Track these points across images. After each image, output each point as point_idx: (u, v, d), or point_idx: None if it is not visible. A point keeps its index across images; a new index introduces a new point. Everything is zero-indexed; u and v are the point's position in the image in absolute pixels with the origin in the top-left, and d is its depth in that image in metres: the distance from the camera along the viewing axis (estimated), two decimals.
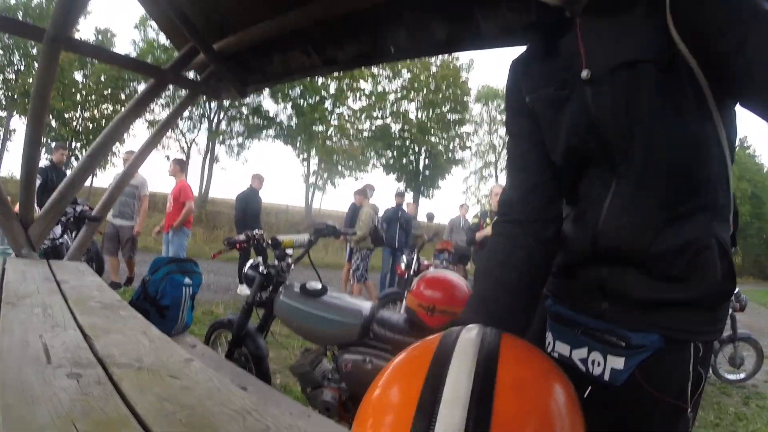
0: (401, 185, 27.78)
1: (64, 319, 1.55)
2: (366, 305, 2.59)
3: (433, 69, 27.94)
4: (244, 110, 27.39)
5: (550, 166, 1.02)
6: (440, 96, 28.34)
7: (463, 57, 28.29)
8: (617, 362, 0.93)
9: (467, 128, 30.69)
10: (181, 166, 6.89)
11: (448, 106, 28.81)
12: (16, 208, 2.94)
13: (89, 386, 1.04)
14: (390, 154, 28.93)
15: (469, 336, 0.65)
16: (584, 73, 0.91)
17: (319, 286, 2.66)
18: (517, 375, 0.58)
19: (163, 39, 23.48)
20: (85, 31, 25.24)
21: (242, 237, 3.06)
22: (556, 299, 1.08)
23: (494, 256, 1.04)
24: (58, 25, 2.49)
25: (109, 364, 1.18)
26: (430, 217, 8.96)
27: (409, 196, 27.07)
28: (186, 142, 27.96)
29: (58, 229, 3.65)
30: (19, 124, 26.71)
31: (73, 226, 3.71)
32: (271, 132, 28.26)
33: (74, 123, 24.96)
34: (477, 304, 1.02)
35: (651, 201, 0.90)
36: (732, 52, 0.74)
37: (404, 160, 28.80)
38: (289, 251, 3.04)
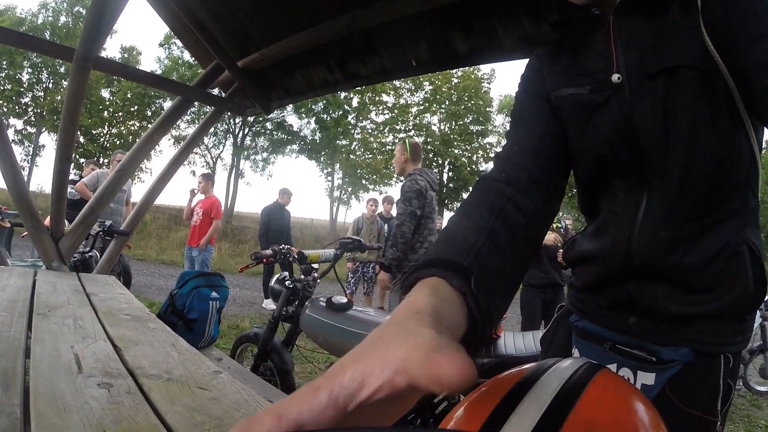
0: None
1: (94, 331, 1.58)
2: None
3: (455, 80, 27.94)
4: (269, 125, 27.77)
5: (552, 148, 0.91)
6: (462, 107, 28.29)
7: (484, 67, 28.21)
8: (648, 378, 0.91)
9: (490, 139, 30.54)
10: (211, 182, 7.04)
11: (470, 118, 28.73)
12: (47, 221, 3.03)
13: (120, 396, 1.06)
14: None
15: (563, 365, 0.62)
16: (615, 77, 0.86)
17: (344, 300, 2.68)
18: (593, 418, 0.51)
19: (187, 56, 24.05)
20: (111, 49, 25.92)
21: (269, 251, 3.10)
22: (582, 314, 1.05)
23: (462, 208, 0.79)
24: (87, 46, 2.57)
25: (139, 375, 1.20)
26: None
27: None
28: (211, 157, 28.45)
29: (87, 243, 3.74)
30: (47, 140, 27.56)
31: (102, 240, 3.80)
32: (295, 147, 28.57)
33: (102, 139, 25.63)
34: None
35: (686, 212, 0.87)
36: (754, 67, 0.71)
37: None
38: (315, 266, 3.07)
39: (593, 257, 1.00)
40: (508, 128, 0.97)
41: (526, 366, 0.63)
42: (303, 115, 27.71)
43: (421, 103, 29.05)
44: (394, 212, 8.14)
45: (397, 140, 28.76)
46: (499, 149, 0.91)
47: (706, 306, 0.87)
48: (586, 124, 0.92)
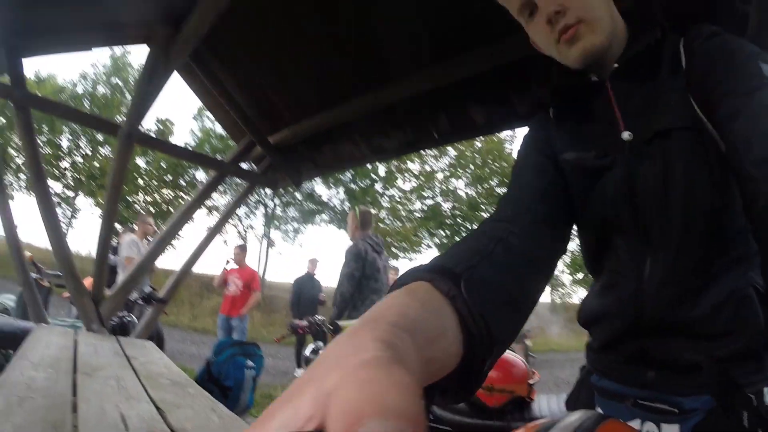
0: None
1: (137, 392, 1.65)
2: None
3: (478, 144, 28.23)
4: (298, 196, 28.28)
5: (548, 212, 0.89)
6: (487, 170, 28.38)
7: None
8: (672, 429, 0.90)
9: None
10: (245, 252, 7.26)
11: (496, 180, 28.80)
12: (85, 282, 3.17)
13: None
14: (442, 233, 28.94)
15: (572, 417, 0.61)
16: (626, 135, 0.91)
17: None
18: None
19: (218, 128, 24.89)
20: (147, 121, 27.07)
21: (305, 322, 3.17)
22: (601, 374, 1.05)
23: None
24: (132, 122, 2.78)
25: None
26: None
27: None
28: (243, 227, 28.96)
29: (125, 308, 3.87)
30: (84, 203, 28.22)
31: (140, 306, 3.93)
32: (325, 216, 28.93)
33: (137, 206, 26.35)
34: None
35: (690, 266, 0.89)
36: (724, 125, 0.78)
37: (456, 238, 28.59)
38: None
39: (604, 317, 1.02)
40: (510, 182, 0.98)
41: (539, 421, 0.68)
42: (331, 186, 28.21)
43: (446, 168, 29.34)
44: None
45: (425, 207, 28.97)
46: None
47: (722, 351, 0.86)
48: (591, 188, 0.96)
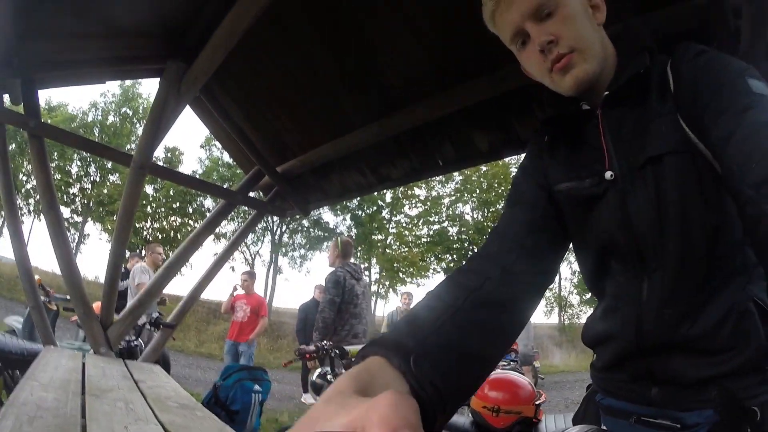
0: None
1: (145, 415, 1.67)
2: None
3: (483, 168, 28.26)
4: (305, 223, 28.37)
5: (536, 246, 0.92)
6: (493, 194, 28.33)
7: None
8: None
9: None
10: (253, 279, 7.32)
11: (502, 204, 28.72)
12: (94, 306, 3.20)
13: None
14: (449, 258, 28.85)
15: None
16: (608, 175, 0.93)
17: None
18: None
19: (226, 157, 25.11)
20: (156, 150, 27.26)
21: (312, 347, 3.20)
22: (605, 392, 1.07)
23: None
24: (143, 154, 2.85)
25: None
26: None
27: None
28: (250, 254, 29.03)
29: (133, 332, 3.90)
30: (92, 229, 28.38)
31: (148, 331, 3.96)
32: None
33: (145, 233, 26.47)
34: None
35: (689, 285, 0.89)
36: (718, 147, 0.78)
37: (463, 263, 28.47)
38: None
39: (607, 339, 1.03)
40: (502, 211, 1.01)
41: None
42: (338, 212, 28.29)
43: (452, 193, 29.35)
44: None
45: (431, 232, 28.93)
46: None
47: (725, 366, 0.87)
48: (587, 216, 0.98)
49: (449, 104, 2.42)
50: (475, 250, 0.91)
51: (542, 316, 30.19)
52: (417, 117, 2.57)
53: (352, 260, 4.81)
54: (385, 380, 0.52)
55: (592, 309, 1.19)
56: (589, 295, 24.03)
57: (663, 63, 0.93)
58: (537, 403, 2.63)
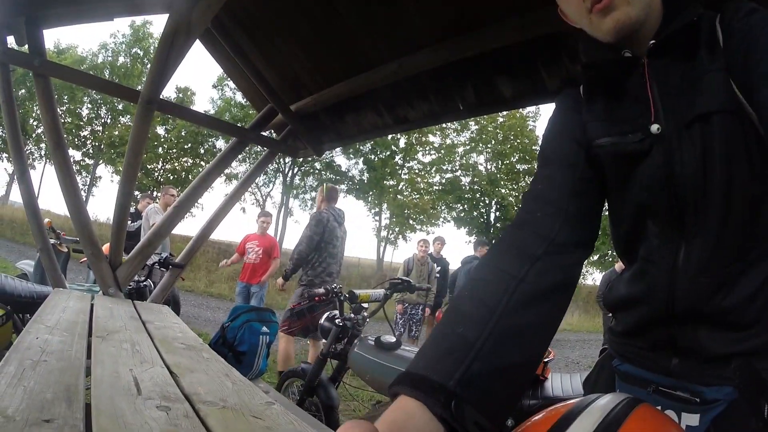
0: (472, 238, 27.40)
1: (151, 356, 1.64)
2: None
3: (500, 119, 27.90)
4: (317, 165, 28.37)
5: (576, 213, 0.88)
6: (508, 146, 28.13)
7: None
8: (692, 419, 0.87)
9: None
10: (270, 220, 7.34)
11: (516, 156, 28.53)
12: (104, 248, 3.19)
13: (178, 419, 1.10)
14: (460, 207, 28.88)
15: (602, 402, 0.62)
16: (654, 128, 0.86)
17: (393, 339, 2.70)
18: None
19: (239, 97, 25.01)
20: (166, 89, 27.23)
21: (321, 290, 3.19)
22: (623, 358, 1.03)
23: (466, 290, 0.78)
24: (152, 90, 2.74)
25: (195, 401, 1.25)
26: None
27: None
28: (261, 195, 29.21)
29: (142, 273, 3.91)
30: (104, 171, 28.91)
31: (157, 270, 3.96)
32: (344, 186, 29.01)
33: (156, 174, 26.75)
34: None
35: (726, 255, 0.85)
36: (763, 108, 0.74)
37: (475, 213, 28.61)
38: (365, 305, 3.12)
39: (632, 303, 0.99)
40: (536, 170, 0.97)
41: (568, 402, 0.66)
42: (351, 156, 28.22)
43: (467, 143, 29.13)
44: (444, 253, 8.15)
45: (444, 180, 28.87)
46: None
47: (749, 343, 0.84)
48: (627, 174, 0.92)
49: (474, 46, 2.31)
50: (515, 216, 0.87)
51: None
52: (439, 58, 2.46)
53: (337, 206, 5.21)
54: (424, 429, 0.54)
55: (598, 270, 1.13)
56: (596, 257, 24.11)
57: (711, 18, 0.86)
58: (545, 360, 2.60)
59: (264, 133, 3.88)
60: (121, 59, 27.87)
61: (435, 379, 0.59)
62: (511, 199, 28.51)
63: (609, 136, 0.92)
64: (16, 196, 27.73)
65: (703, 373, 0.88)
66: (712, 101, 0.81)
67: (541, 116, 28.58)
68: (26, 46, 2.87)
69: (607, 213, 1.03)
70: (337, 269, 5.09)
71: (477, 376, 0.60)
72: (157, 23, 31.34)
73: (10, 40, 2.92)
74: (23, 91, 24.44)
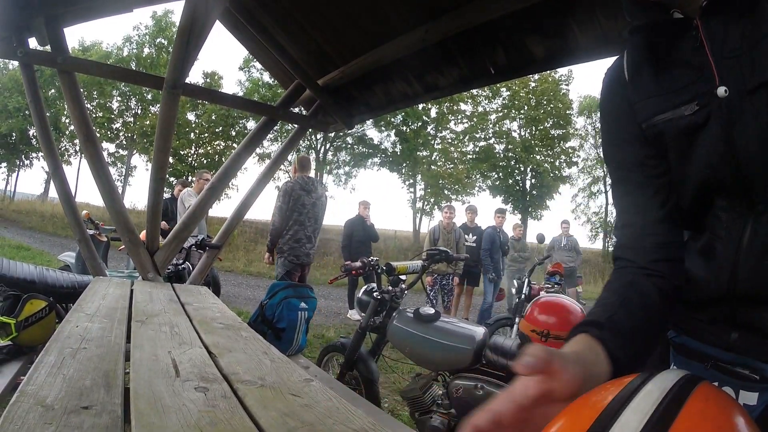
0: (508, 206, 27.11)
1: (189, 338, 1.66)
2: (479, 331, 2.52)
3: (532, 84, 27.27)
4: (349, 140, 28.35)
5: (665, 202, 0.88)
6: (542, 112, 27.55)
7: (561, 69, 27.21)
8: (750, 398, 0.83)
9: (572, 143, 29.24)
10: None
11: (550, 122, 27.92)
12: (142, 235, 3.26)
13: (215, 400, 1.11)
14: (495, 175, 28.54)
15: (664, 376, 0.59)
16: (720, 90, 0.76)
17: (431, 311, 2.67)
18: (694, 429, 0.52)
19: (266, 77, 25.11)
20: (194, 75, 27.56)
21: (358, 264, 3.17)
22: (679, 330, 0.98)
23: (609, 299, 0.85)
24: (175, 74, 2.74)
25: (234, 381, 1.26)
26: (541, 238, 8.50)
27: (516, 218, 26.42)
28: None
29: (180, 256, 3.98)
30: (138, 161, 29.75)
31: (195, 253, 4.01)
32: (377, 160, 28.95)
33: (189, 159, 27.21)
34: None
35: None
36: None
37: (510, 181, 28.25)
38: (402, 277, 3.10)
39: (694, 279, 0.91)
40: (610, 182, 0.99)
41: (627, 377, 0.62)
42: (383, 129, 28.08)
43: (499, 109, 28.63)
44: (478, 221, 8.05)
45: (477, 149, 28.52)
46: (616, 219, 0.96)
47: None
48: (687, 149, 0.84)
49: (501, 6, 2.20)
50: (618, 230, 0.95)
51: (586, 240, 29.84)
52: (466, 20, 2.37)
53: (310, 175, 5.53)
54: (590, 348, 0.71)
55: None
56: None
57: None
58: None
59: (293, 110, 3.86)
60: (147, 50, 28.26)
61: (593, 318, 0.78)
62: (546, 165, 28.01)
63: (660, 113, 0.85)
64: (55, 192, 28.84)
65: (764, 350, 0.82)
66: None
67: (573, 79, 27.83)
68: (48, 46, 2.90)
69: None
70: (306, 235, 5.30)
71: (617, 324, 0.76)
72: (179, 12, 31.67)
73: (33, 42, 2.97)
74: (53, 91, 25.14)
